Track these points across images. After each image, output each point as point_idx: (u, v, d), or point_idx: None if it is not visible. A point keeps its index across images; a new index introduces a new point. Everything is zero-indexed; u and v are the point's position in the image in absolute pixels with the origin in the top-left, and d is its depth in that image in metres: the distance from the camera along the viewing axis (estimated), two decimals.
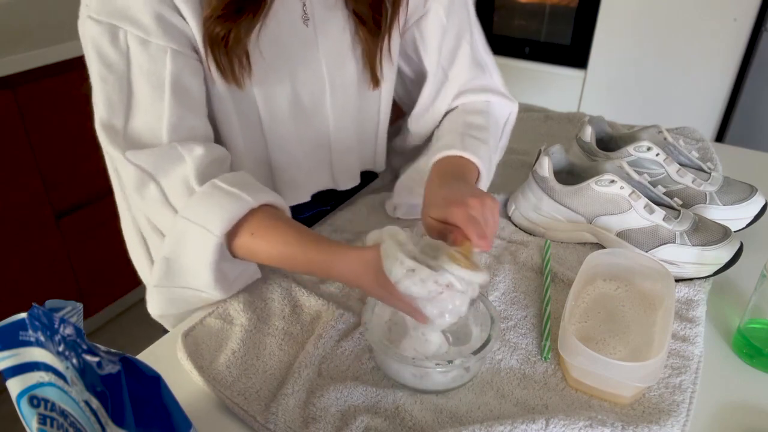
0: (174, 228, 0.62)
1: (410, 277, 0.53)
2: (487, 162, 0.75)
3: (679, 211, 0.75)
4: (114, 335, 1.88)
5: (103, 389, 0.38)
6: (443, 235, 0.61)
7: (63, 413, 0.42)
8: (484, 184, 0.75)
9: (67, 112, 1.54)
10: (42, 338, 0.40)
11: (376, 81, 0.81)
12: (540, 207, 0.81)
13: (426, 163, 0.75)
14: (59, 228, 1.62)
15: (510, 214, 0.86)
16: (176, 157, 0.63)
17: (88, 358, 0.38)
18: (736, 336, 0.65)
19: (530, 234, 0.83)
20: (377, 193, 0.93)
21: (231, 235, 0.62)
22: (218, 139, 0.74)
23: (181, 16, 0.63)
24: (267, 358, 0.61)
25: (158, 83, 0.63)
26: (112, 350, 0.41)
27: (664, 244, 0.72)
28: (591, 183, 0.76)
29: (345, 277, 0.59)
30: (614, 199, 0.75)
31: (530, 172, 0.84)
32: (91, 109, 0.64)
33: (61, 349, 0.39)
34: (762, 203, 0.81)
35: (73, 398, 0.41)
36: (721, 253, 0.71)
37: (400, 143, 0.93)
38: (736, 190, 0.82)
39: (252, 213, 0.61)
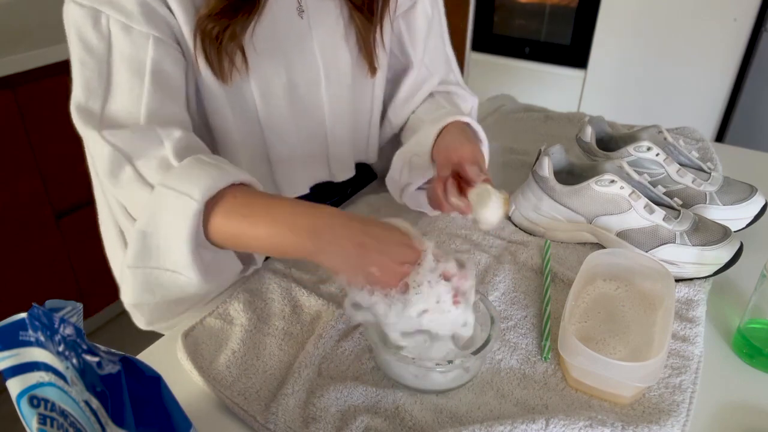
0: (151, 200, 0.59)
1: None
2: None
3: (679, 211, 0.75)
4: (114, 335, 1.88)
5: (103, 389, 0.38)
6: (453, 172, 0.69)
7: (63, 413, 0.42)
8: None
9: (67, 112, 1.53)
10: (42, 338, 0.40)
11: (373, 69, 0.82)
12: (540, 207, 0.81)
13: (426, 135, 0.77)
14: (59, 228, 1.62)
15: (510, 214, 0.86)
16: (154, 138, 0.61)
17: (88, 358, 0.38)
18: (736, 336, 0.65)
19: (530, 234, 0.83)
20: (378, 192, 0.93)
21: (209, 210, 0.58)
22: (212, 135, 0.74)
23: (168, 7, 0.63)
24: (267, 358, 0.61)
25: (138, 69, 0.62)
26: (112, 350, 0.41)
27: (664, 244, 0.72)
28: (591, 183, 0.76)
29: (333, 230, 0.56)
30: (614, 199, 0.75)
31: (530, 172, 0.84)
32: None
33: (61, 349, 0.39)
34: (762, 203, 0.81)
35: (73, 398, 0.41)
36: (721, 253, 0.71)
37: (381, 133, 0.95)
38: (736, 190, 0.82)
39: (232, 190, 0.58)
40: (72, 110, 0.63)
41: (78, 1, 0.61)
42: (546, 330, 0.64)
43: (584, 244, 0.81)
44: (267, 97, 0.74)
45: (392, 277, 0.54)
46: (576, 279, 0.66)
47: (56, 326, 0.38)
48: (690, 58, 2.09)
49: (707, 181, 0.82)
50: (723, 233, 0.72)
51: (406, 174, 0.81)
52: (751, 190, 0.82)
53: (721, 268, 0.71)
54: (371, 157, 0.94)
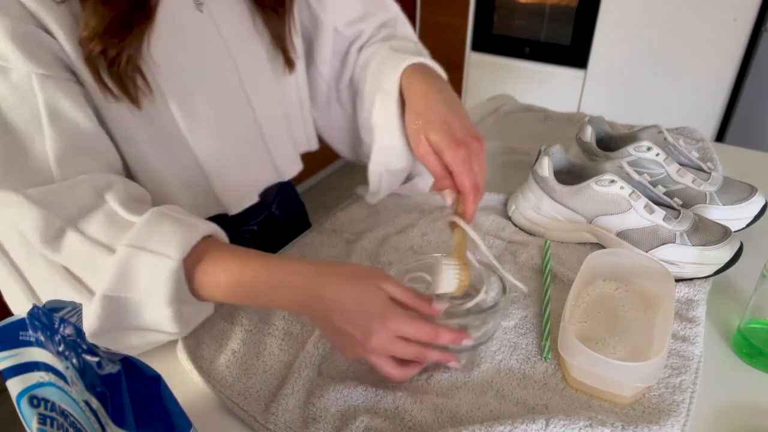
0: (116, 262, 0.51)
1: None
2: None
3: (679, 211, 0.75)
4: None
5: (103, 389, 0.38)
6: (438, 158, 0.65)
7: (63, 413, 0.42)
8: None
9: None
10: (42, 338, 0.40)
11: (291, 64, 0.75)
12: (540, 207, 0.81)
13: (385, 81, 0.72)
14: None
15: (510, 214, 0.86)
16: (86, 191, 0.54)
17: (88, 358, 0.38)
18: (736, 336, 0.65)
19: (530, 234, 0.83)
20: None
21: (190, 265, 0.54)
22: (127, 163, 0.64)
23: (45, 29, 0.53)
24: (267, 358, 0.61)
25: (32, 116, 0.53)
26: (112, 350, 0.41)
27: (664, 244, 0.72)
28: (591, 183, 0.76)
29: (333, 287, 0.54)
30: (614, 199, 0.75)
31: (530, 172, 0.84)
32: None
33: (61, 349, 0.39)
34: (762, 203, 0.81)
35: (73, 398, 0.41)
36: (721, 253, 0.71)
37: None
38: (736, 190, 0.82)
39: (205, 241, 0.55)
40: None
41: None
42: (546, 330, 0.64)
43: (584, 244, 0.81)
44: (187, 109, 0.64)
45: (369, 354, 0.54)
46: (576, 279, 0.66)
47: (56, 326, 0.38)
48: (690, 57, 2.09)
49: (707, 181, 0.82)
50: (723, 233, 0.72)
51: (387, 183, 0.79)
52: (751, 190, 0.82)
53: (721, 268, 0.71)
54: (313, 145, 0.88)
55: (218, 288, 0.55)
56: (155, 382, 0.40)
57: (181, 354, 0.62)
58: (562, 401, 0.57)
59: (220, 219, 0.69)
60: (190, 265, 0.54)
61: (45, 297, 0.54)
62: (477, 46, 2.54)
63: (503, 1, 2.41)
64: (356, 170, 0.88)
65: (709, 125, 2.15)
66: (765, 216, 0.81)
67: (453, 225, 0.65)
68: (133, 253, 0.52)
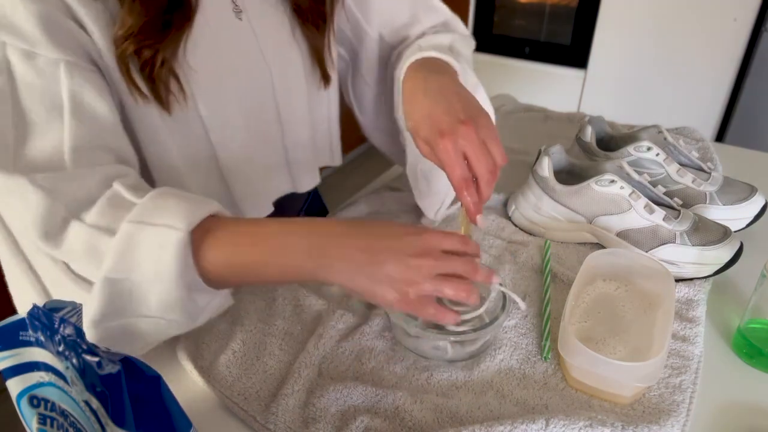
0: (119, 241, 0.48)
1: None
2: (461, 60, 0.69)
3: (679, 211, 0.75)
4: None
5: (103, 389, 0.38)
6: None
7: (63, 413, 0.42)
8: (471, 82, 0.69)
9: None
10: (42, 338, 0.40)
11: (327, 78, 0.75)
12: (540, 207, 0.81)
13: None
14: None
15: (510, 214, 0.86)
16: (97, 179, 0.52)
17: (88, 358, 0.38)
18: (736, 336, 0.65)
19: (530, 234, 0.83)
20: (378, 193, 0.93)
21: (197, 239, 0.49)
22: (147, 165, 0.63)
23: (78, 21, 0.53)
24: (267, 358, 0.61)
25: (54, 102, 0.52)
26: (112, 350, 0.41)
27: (664, 244, 0.72)
28: (591, 183, 0.76)
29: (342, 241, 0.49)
30: (614, 199, 0.75)
31: (530, 172, 0.84)
32: None
33: (61, 349, 0.39)
34: (762, 203, 0.81)
35: (73, 398, 0.41)
36: (721, 253, 0.71)
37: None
38: (736, 190, 0.82)
39: (212, 218, 0.51)
40: None
41: None
42: (546, 330, 0.64)
43: (584, 244, 0.81)
44: (216, 114, 0.64)
45: (414, 275, 0.47)
46: (576, 279, 0.66)
47: (56, 326, 0.38)
48: (690, 58, 2.09)
49: (707, 181, 0.82)
50: (723, 233, 0.72)
51: (425, 186, 0.77)
52: (751, 190, 0.82)
53: (721, 268, 0.71)
54: (336, 160, 0.87)
55: (226, 257, 0.50)
56: (155, 382, 0.40)
57: (181, 354, 0.62)
58: (562, 401, 0.57)
59: None
60: (197, 240, 0.49)
61: (51, 289, 0.53)
62: (477, 46, 2.52)
63: (503, 1, 2.41)
64: (355, 171, 0.88)
65: (709, 125, 2.15)
66: (765, 216, 0.81)
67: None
68: (137, 228, 0.48)
